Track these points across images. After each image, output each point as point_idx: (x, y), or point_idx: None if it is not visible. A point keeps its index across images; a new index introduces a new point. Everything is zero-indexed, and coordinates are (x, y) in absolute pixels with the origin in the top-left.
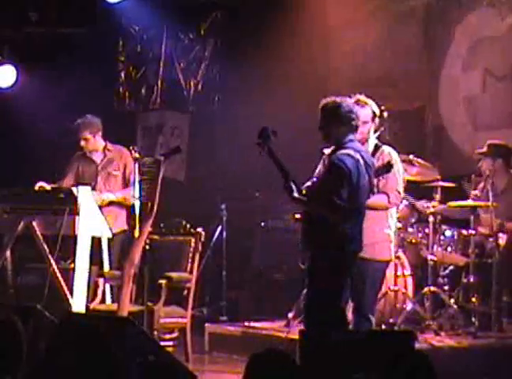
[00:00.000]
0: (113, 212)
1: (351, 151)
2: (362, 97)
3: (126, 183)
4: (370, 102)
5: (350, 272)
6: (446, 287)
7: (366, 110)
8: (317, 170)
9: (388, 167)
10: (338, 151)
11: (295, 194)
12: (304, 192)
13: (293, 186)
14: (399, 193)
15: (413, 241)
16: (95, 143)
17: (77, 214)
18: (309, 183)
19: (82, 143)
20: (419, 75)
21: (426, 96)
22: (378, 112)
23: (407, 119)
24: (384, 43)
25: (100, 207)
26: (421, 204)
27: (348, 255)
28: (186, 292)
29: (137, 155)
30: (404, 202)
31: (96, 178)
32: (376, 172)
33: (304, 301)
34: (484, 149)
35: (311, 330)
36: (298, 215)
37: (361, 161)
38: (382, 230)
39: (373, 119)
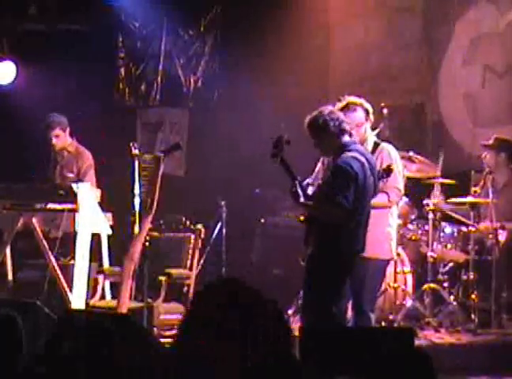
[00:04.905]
0: None
1: (356, 154)
2: (351, 99)
3: None
4: (360, 101)
5: (349, 272)
6: (446, 284)
7: (358, 113)
8: (316, 169)
9: (388, 172)
10: (343, 154)
11: (302, 199)
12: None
13: (300, 192)
14: (399, 190)
15: (413, 238)
16: (65, 140)
17: (77, 211)
18: (308, 180)
19: (54, 140)
20: (419, 70)
21: (426, 92)
22: (370, 109)
23: (407, 115)
24: (384, 38)
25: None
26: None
27: (349, 256)
28: (185, 289)
29: (136, 151)
30: (404, 199)
31: (54, 178)
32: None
33: (302, 299)
34: (490, 142)
35: (309, 328)
36: (302, 218)
37: (366, 164)
38: (383, 229)
39: (367, 118)
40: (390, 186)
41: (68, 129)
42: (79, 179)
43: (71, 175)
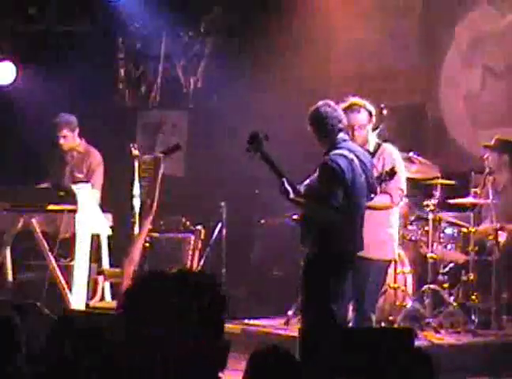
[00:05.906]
0: None
1: (344, 151)
2: (355, 100)
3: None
4: (364, 102)
5: (347, 272)
6: (446, 285)
7: (362, 115)
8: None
9: (392, 174)
10: (332, 152)
11: (292, 196)
12: (302, 191)
13: (289, 188)
14: (402, 191)
15: (413, 238)
16: (73, 141)
17: (77, 211)
18: (307, 181)
19: (61, 141)
20: (419, 70)
21: (426, 92)
22: (373, 111)
23: (407, 115)
24: (384, 38)
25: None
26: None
27: (344, 255)
28: None
29: (136, 152)
30: (405, 199)
31: (63, 179)
32: (379, 178)
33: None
34: (492, 143)
35: (309, 328)
36: (295, 217)
37: (356, 160)
38: (385, 230)
39: (369, 120)
40: (393, 187)
41: (77, 130)
42: (87, 179)
43: (80, 176)
